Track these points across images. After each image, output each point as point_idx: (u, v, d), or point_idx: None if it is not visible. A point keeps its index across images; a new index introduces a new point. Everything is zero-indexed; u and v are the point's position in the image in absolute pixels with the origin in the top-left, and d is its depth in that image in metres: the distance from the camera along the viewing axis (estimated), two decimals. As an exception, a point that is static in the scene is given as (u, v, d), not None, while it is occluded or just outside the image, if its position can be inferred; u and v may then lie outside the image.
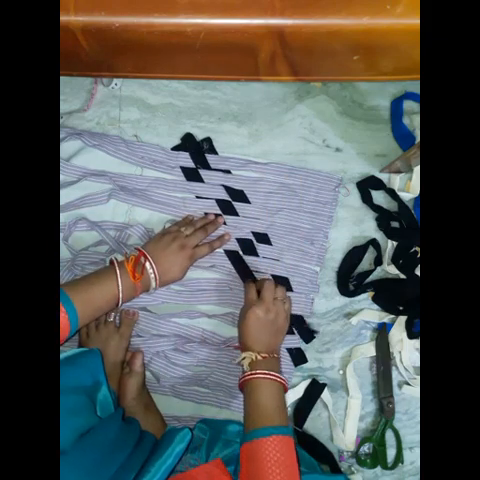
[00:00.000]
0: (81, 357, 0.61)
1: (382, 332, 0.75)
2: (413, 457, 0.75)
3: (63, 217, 0.76)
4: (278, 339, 0.69)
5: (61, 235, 0.75)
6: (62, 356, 0.59)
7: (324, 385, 0.75)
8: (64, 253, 0.75)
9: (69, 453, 0.48)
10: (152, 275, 0.67)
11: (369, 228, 0.79)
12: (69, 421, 0.51)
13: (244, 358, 0.65)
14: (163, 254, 0.68)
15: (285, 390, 0.64)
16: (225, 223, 0.77)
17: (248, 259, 0.76)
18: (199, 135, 0.80)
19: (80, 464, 0.48)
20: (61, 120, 0.79)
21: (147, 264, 0.67)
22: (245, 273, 0.76)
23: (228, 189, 0.77)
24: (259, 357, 0.64)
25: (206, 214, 0.77)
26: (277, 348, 0.69)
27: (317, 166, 0.79)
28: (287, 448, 0.55)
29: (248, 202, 0.78)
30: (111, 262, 0.66)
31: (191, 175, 0.78)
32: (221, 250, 0.77)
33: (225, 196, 0.77)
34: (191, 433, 0.60)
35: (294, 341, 0.75)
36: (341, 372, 0.77)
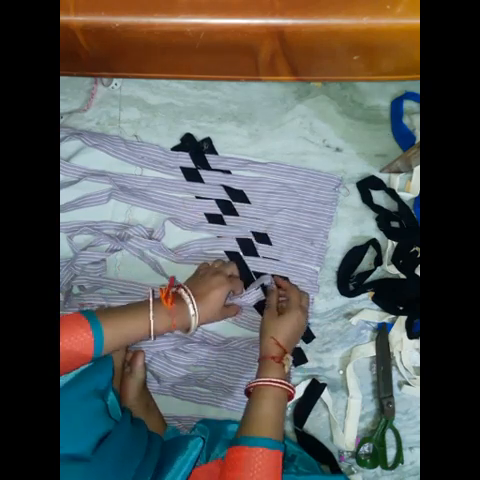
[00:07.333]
0: (99, 361, 0.61)
1: (382, 332, 0.75)
2: (413, 457, 0.75)
3: (63, 217, 0.76)
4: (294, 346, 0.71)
5: (67, 235, 0.75)
6: None
7: (324, 385, 0.75)
8: (64, 253, 0.76)
9: (92, 460, 0.48)
10: (191, 305, 0.64)
11: (369, 228, 0.79)
12: (93, 426, 0.51)
13: (288, 359, 0.65)
14: (201, 281, 0.67)
15: (290, 399, 0.64)
16: (224, 223, 0.77)
17: (248, 259, 0.76)
18: (199, 135, 0.80)
19: (103, 471, 0.48)
20: (61, 120, 0.79)
21: (184, 294, 0.65)
22: (246, 274, 0.76)
23: (228, 189, 0.77)
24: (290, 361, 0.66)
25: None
26: None
27: (317, 166, 0.79)
28: (278, 463, 0.56)
29: (248, 202, 0.78)
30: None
31: (191, 175, 0.78)
32: (222, 251, 0.77)
33: (225, 196, 0.77)
34: (203, 441, 0.61)
35: (294, 341, 0.75)
36: (341, 372, 0.76)
